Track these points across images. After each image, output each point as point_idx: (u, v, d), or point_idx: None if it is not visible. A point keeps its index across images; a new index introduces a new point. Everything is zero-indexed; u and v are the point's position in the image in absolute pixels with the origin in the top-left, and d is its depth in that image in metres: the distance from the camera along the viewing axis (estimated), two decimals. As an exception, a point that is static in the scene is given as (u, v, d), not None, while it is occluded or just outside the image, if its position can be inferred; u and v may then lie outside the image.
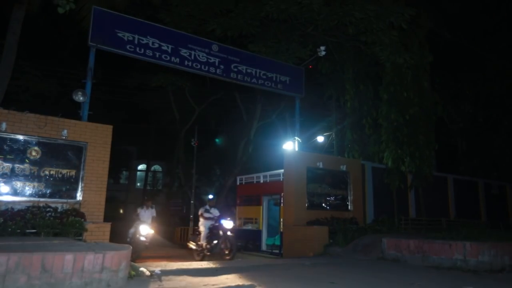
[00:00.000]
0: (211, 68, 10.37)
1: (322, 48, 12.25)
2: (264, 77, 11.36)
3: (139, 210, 11.27)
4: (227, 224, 9.51)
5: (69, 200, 7.40)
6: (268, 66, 11.54)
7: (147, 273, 5.39)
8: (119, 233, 12.48)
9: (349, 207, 11.66)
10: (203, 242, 9.73)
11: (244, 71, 10.95)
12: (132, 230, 10.89)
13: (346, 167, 11.77)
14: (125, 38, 9.05)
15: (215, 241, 9.42)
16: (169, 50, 9.70)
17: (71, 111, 8.28)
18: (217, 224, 9.66)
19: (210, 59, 10.34)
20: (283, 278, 5.96)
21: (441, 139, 14.01)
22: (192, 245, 10.17)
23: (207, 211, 10.16)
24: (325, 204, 11.24)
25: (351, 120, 14.56)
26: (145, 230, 10.68)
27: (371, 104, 14.11)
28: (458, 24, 16.05)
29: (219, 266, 7.11)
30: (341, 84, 14.85)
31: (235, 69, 10.80)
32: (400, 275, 6.29)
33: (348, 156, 13.94)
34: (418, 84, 13.02)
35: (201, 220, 10.11)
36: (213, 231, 9.63)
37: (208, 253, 9.52)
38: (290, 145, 13.77)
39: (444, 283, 5.68)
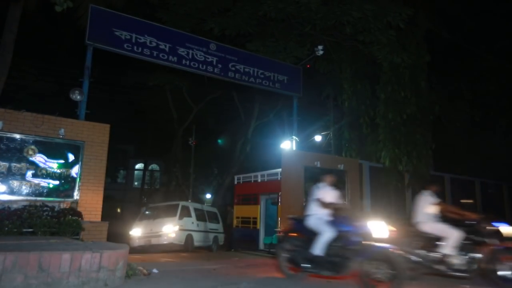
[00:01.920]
0: (208, 67, 10.36)
1: (320, 47, 12.25)
2: (262, 76, 11.36)
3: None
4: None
5: (66, 199, 7.38)
6: (265, 65, 11.54)
7: (145, 272, 5.39)
8: (117, 233, 12.54)
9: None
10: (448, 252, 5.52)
11: (242, 70, 10.95)
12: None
13: (343, 167, 11.78)
14: (123, 37, 9.02)
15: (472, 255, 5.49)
16: (167, 49, 9.68)
17: (69, 110, 8.26)
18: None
19: (208, 58, 10.33)
20: (281, 277, 5.97)
21: (438, 138, 14.02)
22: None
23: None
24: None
25: (349, 119, 14.59)
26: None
27: (369, 103, 14.14)
28: (456, 24, 16.08)
29: (218, 265, 7.12)
30: (338, 83, 14.87)
31: (233, 68, 10.80)
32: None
33: (345, 156, 13.97)
34: (416, 84, 13.05)
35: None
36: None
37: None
38: (287, 144, 13.78)
39: (438, 282, 5.70)
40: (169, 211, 12.77)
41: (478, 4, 16.20)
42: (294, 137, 12.11)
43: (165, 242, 11.95)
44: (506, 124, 18.40)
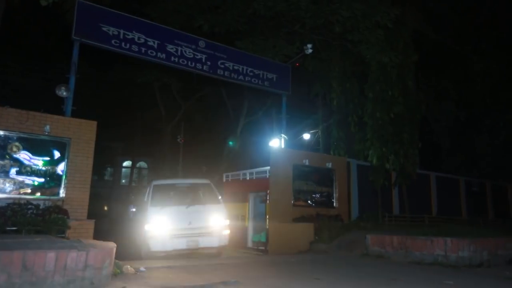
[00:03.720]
0: (197, 64, 10.30)
1: (309, 46, 12.30)
2: (251, 74, 11.35)
3: None
4: None
5: (51, 197, 7.27)
6: (255, 63, 11.53)
7: (132, 270, 5.35)
8: (104, 230, 12.35)
9: (334, 204, 11.77)
10: None
11: (231, 67, 10.92)
12: None
13: (331, 165, 11.87)
14: (110, 33, 8.90)
15: None
16: (156, 46, 9.59)
17: (55, 107, 8.13)
18: None
19: (197, 55, 10.28)
20: (268, 274, 5.99)
21: (425, 137, 14.26)
22: None
23: None
24: (311, 201, 11.32)
25: (337, 118, 14.68)
26: None
27: (357, 102, 14.25)
28: (443, 24, 16.31)
29: (206, 262, 7.10)
30: (327, 82, 14.95)
31: (222, 66, 10.76)
32: (383, 271, 6.40)
33: (334, 154, 14.06)
34: (403, 83, 13.21)
35: None
36: None
37: None
38: (276, 142, 13.81)
39: (426, 278, 5.80)
40: (208, 194, 9.35)
41: (464, 5, 16.46)
42: (282, 135, 12.15)
43: (217, 245, 8.48)
44: (490, 124, 18.77)
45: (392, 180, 13.51)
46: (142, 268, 5.67)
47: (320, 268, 6.75)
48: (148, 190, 9.20)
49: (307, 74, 15.41)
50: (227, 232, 8.68)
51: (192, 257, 8.31)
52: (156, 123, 23.97)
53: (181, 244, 8.09)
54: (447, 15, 16.32)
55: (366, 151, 13.02)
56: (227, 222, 8.76)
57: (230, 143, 19.86)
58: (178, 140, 20.91)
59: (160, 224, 8.05)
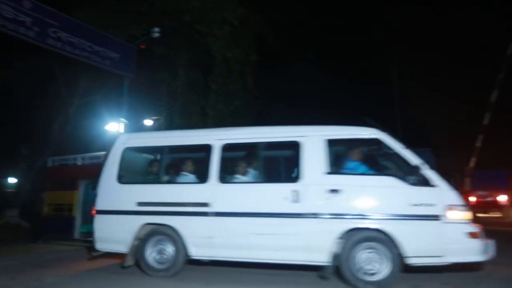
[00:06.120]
0: (20, 27, 8.73)
1: (156, 29, 11.98)
2: (90, 49, 10.31)
3: None
4: None
5: None
6: (95, 38, 10.51)
7: None
8: None
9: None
10: None
11: (64, 39, 9.66)
12: None
13: (172, 152, 11.88)
14: None
15: None
16: (-41, -4, 7.70)
17: None
18: None
19: (20, 16, 8.69)
20: (91, 265, 5.64)
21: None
22: None
23: None
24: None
25: (180, 106, 14.76)
26: None
27: (201, 92, 14.64)
28: (280, 32, 18.22)
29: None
30: (173, 70, 14.84)
31: (54, 35, 9.41)
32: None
33: (175, 142, 14.09)
34: (244, 79, 14.22)
35: None
36: None
37: None
38: (115, 127, 12.98)
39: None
40: None
41: (299, 17, 18.79)
42: (122, 119, 11.50)
43: None
44: (311, 122, 21.95)
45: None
46: None
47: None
48: None
49: (154, 59, 14.96)
50: None
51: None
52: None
53: None
54: (284, 24, 18.31)
55: (207, 140, 13.52)
56: None
57: None
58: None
59: None
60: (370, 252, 4.15)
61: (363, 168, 4.57)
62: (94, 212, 5.08)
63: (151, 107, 17.46)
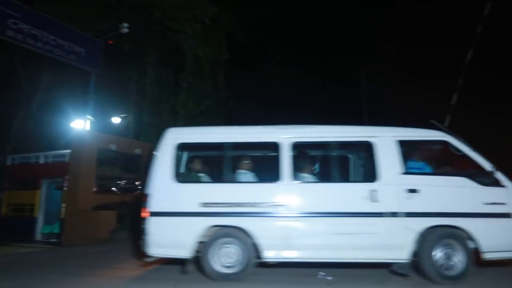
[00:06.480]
0: (-23, 18, 8.30)
1: (125, 25, 11.70)
2: (53, 43, 9.94)
3: None
4: None
5: None
6: (59, 32, 10.15)
7: None
8: None
9: (141, 191, 11.61)
10: None
11: (26, 31, 9.27)
12: None
13: (140, 151, 11.65)
14: None
15: None
16: None
17: None
18: None
19: (-23, 7, 8.26)
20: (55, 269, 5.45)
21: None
22: None
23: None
24: (116, 188, 10.84)
25: (150, 104, 14.48)
26: None
27: (171, 91, 14.42)
28: (251, 32, 18.26)
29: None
30: (143, 67, 14.54)
31: (14, 27, 9.02)
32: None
33: (144, 140, 13.82)
34: (214, 78, 14.14)
35: None
36: None
37: None
38: (80, 124, 12.57)
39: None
40: None
41: (271, 18, 18.91)
42: (89, 116, 11.15)
43: None
44: (281, 122, 22.12)
45: (199, 168, 14.28)
46: None
47: (118, 257, 6.59)
48: None
49: (122, 55, 14.59)
50: None
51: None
52: None
53: None
54: (255, 25, 18.37)
55: (177, 139, 13.33)
56: None
57: None
58: None
59: None
60: (447, 249, 4.40)
61: (428, 168, 4.85)
62: (146, 214, 4.52)
63: (119, 105, 17.02)
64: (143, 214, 4.52)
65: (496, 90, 17.73)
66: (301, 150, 4.96)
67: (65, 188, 10.23)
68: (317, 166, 5.18)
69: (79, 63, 10.80)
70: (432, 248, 4.37)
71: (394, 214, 4.43)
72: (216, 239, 4.53)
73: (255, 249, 4.47)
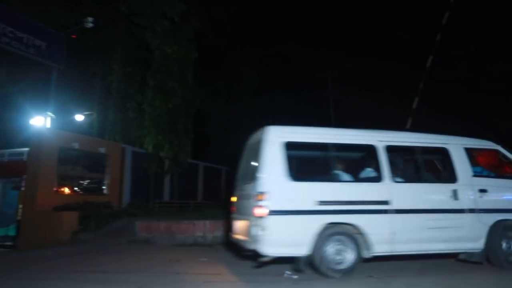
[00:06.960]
0: None
1: (90, 19, 11.31)
2: (11, 35, 9.46)
3: None
4: None
5: None
6: (18, 24, 9.68)
7: None
8: None
9: (105, 191, 11.29)
10: None
11: (-19, 22, 8.74)
12: None
13: (105, 150, 11.32)
14: None
15: None
16: None
17: None
18: None
19: None
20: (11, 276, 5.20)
21: (197, 129, 15.41)
22: None
23: None
24: (79, 188, 10.49)
25: (115, 102, 14.09)
26: None
27: (138, 88, 14.08)
28: (221, 30, 18.17)
29: None
30: (108, 63, 14.11)
31: (-32, 17, 8.48)
32: (148, 254, 6.65)
33: (108, 139, 13.44)
34: (183, 77, 13.90)
35: None
36: None
37: None
38: (40, 121, 12.02)
39: (187, 257, 6.38)
40: None
41: (243, 17, 18.91)
42: (49, 113, 10.70)
43: None
44: (248, 122, 22.16)
45: (165, 168, 14.03)
46: None
47: (79, 260, 6.37)
48: None
49: (86, 50, 14.10)
50: None
51: None
52: None
53: None
54: (226, 23, 18.29)
55: (143, 138, 13.07)
56: None
57: None
58: None
59: None
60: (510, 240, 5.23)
61: (486, 172, 5.74)
62: (263, 214, 4.47)
63: (82, 102, 16.43)
64: (259, 213, 4.51)
65: (453, 94, 18.77)
66: (394, 152, 5.47)
67: (23, 188, 9.77)
68: (408, 167, 5.93)
69: (39, 57, 10.34)
70: (501, 239, 5.18)
71: (472, 211, 5.19)
72: (331, 236, 4.73)
73: (365, 245, 4.77)
